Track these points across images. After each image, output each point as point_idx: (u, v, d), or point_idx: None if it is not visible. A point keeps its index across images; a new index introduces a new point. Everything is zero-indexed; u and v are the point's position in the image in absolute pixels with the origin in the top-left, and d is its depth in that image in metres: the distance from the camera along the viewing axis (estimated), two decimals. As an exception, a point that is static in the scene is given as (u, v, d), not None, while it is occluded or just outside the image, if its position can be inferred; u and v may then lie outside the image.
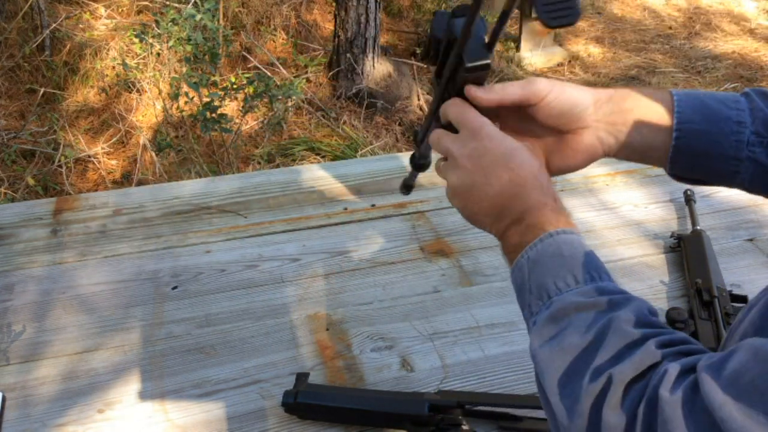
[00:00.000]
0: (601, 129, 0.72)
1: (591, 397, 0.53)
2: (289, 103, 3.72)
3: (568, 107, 0.71)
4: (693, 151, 0.71)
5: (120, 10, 4.40)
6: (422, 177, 1.59)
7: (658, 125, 0.71)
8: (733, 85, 4.51)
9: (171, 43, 3.32)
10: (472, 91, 0.69)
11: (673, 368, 0.50)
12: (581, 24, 5.37)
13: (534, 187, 0.66)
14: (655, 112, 0.72)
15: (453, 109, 0.70)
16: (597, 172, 1.55)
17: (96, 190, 3.39)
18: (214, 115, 3.07)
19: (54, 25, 3.96)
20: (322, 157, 3.67)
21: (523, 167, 0.66)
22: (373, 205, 1.45)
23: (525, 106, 0.72)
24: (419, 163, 0.87)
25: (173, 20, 3.22)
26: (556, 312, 0.59)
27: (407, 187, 0.97)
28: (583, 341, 0.55)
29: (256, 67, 4.06)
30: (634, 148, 0.73)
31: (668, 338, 0.54)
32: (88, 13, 4.30)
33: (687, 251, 1.24)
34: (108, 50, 4.05)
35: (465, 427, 0.93)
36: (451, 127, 0.71)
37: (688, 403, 0.47)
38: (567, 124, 0.72)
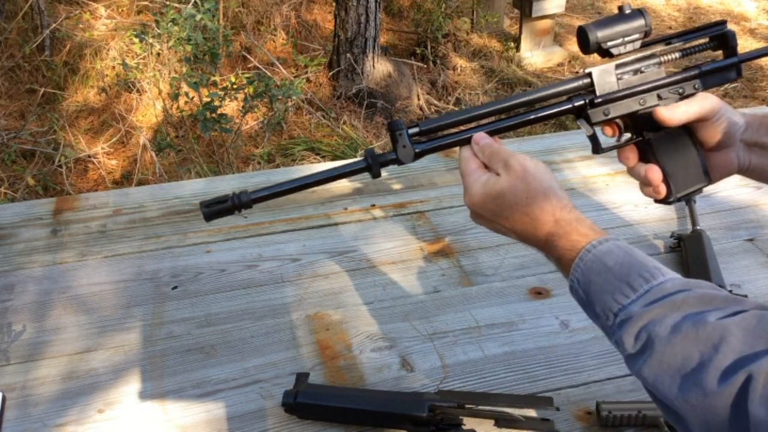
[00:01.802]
0: (741, 148, 0.81)
1: (729, 398, 0.53)
2: (289, 103, 3.72)
3: (731, 125, 0.78)
4: None
5: (120, 10, 4.40)
6: (422, 177, 1.59)
7: None
8: (733, 86, 4.51)
9: (171, 43, 3.32)
10: (663, 112, 0.77)
11: None
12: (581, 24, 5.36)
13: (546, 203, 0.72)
14: None
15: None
16: (597, 172, 1.55)
17: (96, 190, 3.39)
18: (214, 115, 3.07)
19: (54, 25, 3.96)
20: (322, 157, 3.67)
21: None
22: (373, 205, 1.45)
23: (697, 122, 0.78)
24: None
25: (173, 20, 3.22)
26: (631, 330, 0.61)
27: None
28: (685, 351, 0.56)
29: (256, 67, 4.06)
30: (764, 168, 0.81)
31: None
32: (88, 13, 4.30)
33: (687, 251, 1.24)
34: (108, 50, 4.05)
35: (465, 427, 0.93)
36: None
37: None
38: (724, 142, 0.79)
